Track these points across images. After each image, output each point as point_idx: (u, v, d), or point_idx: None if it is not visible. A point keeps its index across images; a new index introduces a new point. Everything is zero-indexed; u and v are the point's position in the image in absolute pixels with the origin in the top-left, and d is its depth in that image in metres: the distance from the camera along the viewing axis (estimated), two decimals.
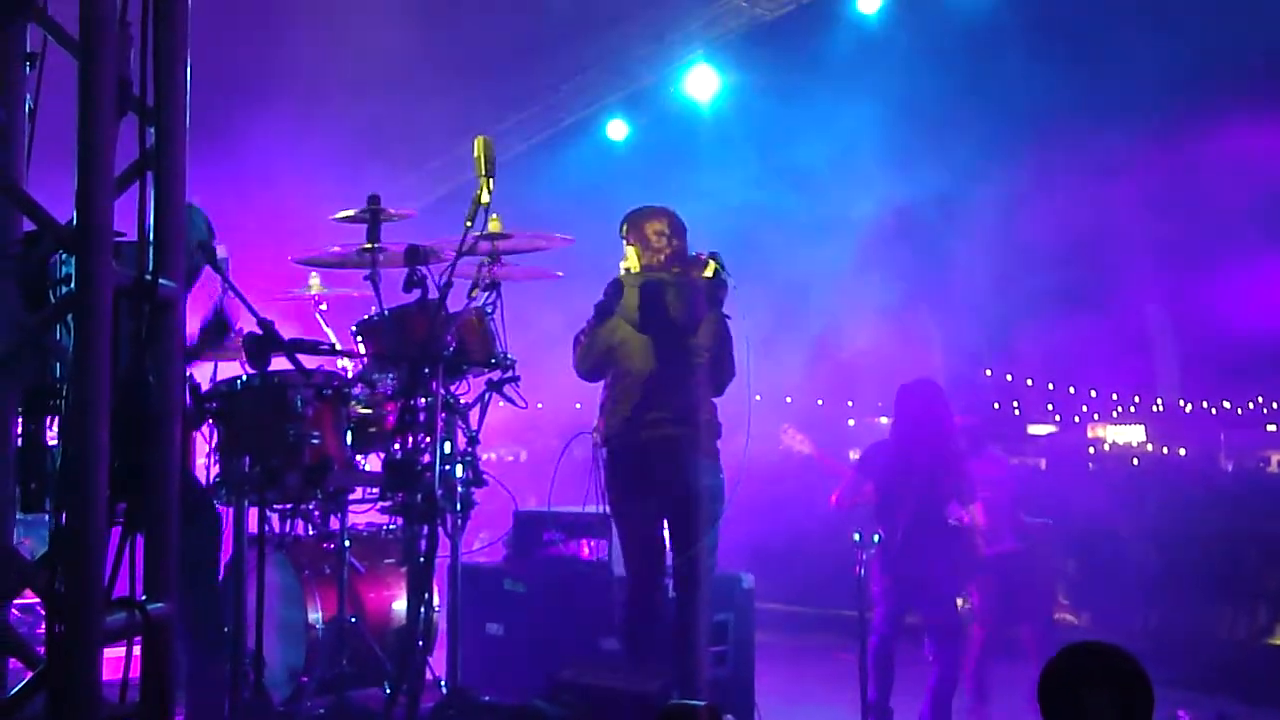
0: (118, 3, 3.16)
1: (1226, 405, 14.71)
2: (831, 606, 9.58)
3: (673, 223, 5.75)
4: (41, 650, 3.14)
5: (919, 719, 6.59)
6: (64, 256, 3.32)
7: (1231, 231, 10.44)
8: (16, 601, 4.06)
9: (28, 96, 3.59)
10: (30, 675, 3.03)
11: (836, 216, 10.49)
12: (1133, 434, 15.91)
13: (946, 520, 6.64)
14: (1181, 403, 14.94)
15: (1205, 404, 14.84)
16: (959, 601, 7.18)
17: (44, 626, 3.11)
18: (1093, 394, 15.37)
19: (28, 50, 3.58)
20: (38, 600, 5.34)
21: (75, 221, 3.05)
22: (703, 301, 5.59)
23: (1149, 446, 15.52)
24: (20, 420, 3.46)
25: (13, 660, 3.47)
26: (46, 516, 3.34)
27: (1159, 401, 15.18)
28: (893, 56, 9.93)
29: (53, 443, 3.41)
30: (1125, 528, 10.60)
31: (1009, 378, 14.29)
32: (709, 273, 5.59)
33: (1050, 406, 15.48)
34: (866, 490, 6.81)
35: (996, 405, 14.52)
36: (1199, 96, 9.68)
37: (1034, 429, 15.28)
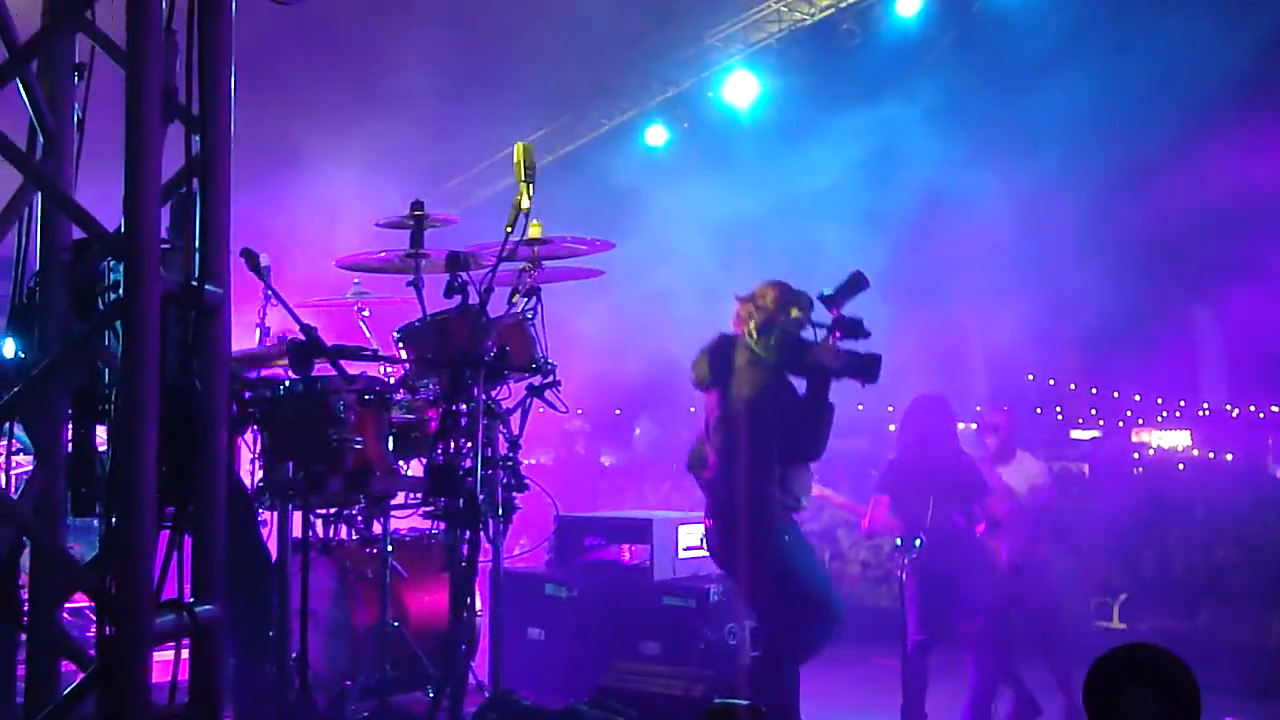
0: (163, 12, 3.21)
1: (1275, 409, 14.50)
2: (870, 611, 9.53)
3: (766, 291, 5.63)
4: (92, 652, 3.19)
5: None
6: (112, 263, 3.36)
7: (1279, 234, 10.32)
8: (67, 605, 4.10)
9: (76, 106, 3.64)
10: (82, 676, 3.07)
11: (875, 219, 10.45)
12: (1178, 439, 15.72)
13: (960, 526, 6.65)
14: (1228, 407, 14.74)
15: (1252, 408, 14.63)
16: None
17: (94, 629, 3.15)
18: (1136, 398, 15.19)
19: (76, 61, 3.64)
20: (88, 604, 5.42)
21: (123, 229, 3.09)
22: (748, 360, 5.45)
23: (1195, 451, 15.33)
24: (70, 426, 3.51)
25: (65, 662, 3.52)
26: (95, 521, 3.39)
27: (1205, 406, 14.99)
28: (932, 58, 9.89)
29: (102, 448, 3.45)
30: (1171, 533, 10.49)
31: (1052, 382, 14.16)
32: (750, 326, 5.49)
33: (1094, 411, 15.32)
34: (888, 507, 6.84)
35: (1039, 410, 14.39)
36: (1246, 98, 9.58)
37: (1077, 434, 15.13)
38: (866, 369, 5.42)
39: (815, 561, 5.70)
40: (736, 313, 5.65)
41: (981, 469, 6.92)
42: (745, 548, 5.39)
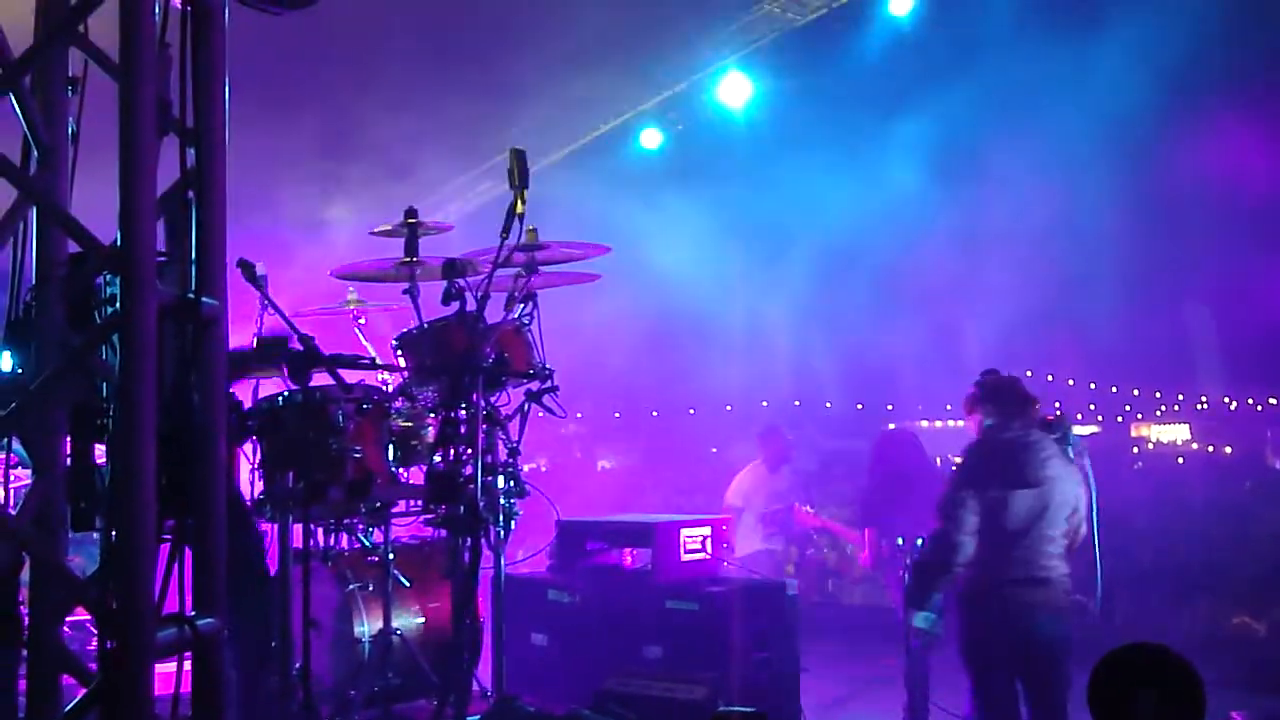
0: (156, 25, 3.20)
1: (1273, 402, 14.50)
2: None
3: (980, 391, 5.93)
4: (94, 666, 3.18)
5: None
6: (108, 277, 3.35)
7: (1275, 224, 10.32)
8: (68, 619, 4.10)
9: (70, 120, 3.64)
10: (84, 691, 3.06)
11: (871, 218, 10.46)
12: (1177, 432, 15.74)
13: None
14: (1226, 400, 14.75)
15: (1251, 400, 14.63)
16: None
17: (96, 643, 3.15)
18: (1135, 393, 15.19)
19: (70, 75, 3.63)
20: (89, 617, 5.42)
21: (118, 242, 3.09)
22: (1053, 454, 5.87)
23: (1194, 445, 15.34)
24: (68, 440, 3.50)
25: (66, 677, 3.51)
26: (95, 535, 3.38)
27: (1203, 399, 14.99)
28: (925, 57, 9.90)
29: (100, 462, 3.44)
30: (1171, 527, 10.49)
31: (1050, 378, 14.17)
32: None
33: (1092, 406, 15.33)
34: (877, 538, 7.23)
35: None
36: (1242, 90, 9.59)
37: (1076, 429, 15.12)
38: None
39: None
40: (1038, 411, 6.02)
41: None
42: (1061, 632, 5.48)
